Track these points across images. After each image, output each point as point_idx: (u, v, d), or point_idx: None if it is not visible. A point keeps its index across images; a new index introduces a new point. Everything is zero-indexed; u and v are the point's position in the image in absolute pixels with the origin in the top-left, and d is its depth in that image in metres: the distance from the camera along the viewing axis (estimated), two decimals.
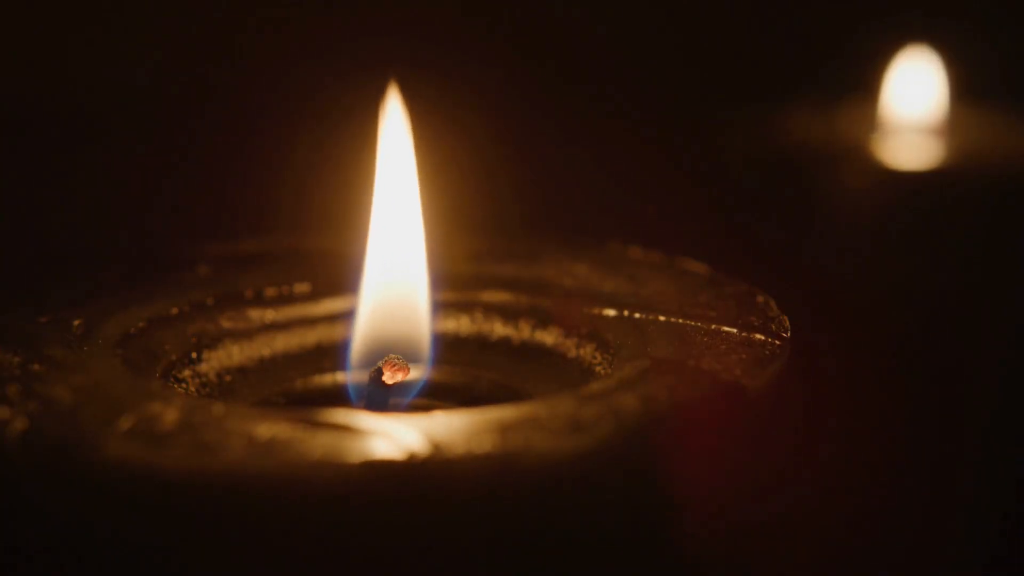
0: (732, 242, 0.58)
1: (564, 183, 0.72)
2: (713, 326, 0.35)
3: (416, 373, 0.36)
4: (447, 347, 0.39)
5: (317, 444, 0.28)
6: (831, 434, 0.47)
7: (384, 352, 0.36)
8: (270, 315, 0.39)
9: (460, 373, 0.38)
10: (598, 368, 0.37)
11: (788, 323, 0.35)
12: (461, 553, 0.28)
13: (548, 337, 0.39)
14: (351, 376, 0.37)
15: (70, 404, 0.30)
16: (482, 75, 0.72)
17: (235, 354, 0.38)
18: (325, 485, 0.27)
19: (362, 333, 0.37)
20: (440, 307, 0.39)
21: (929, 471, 0.46)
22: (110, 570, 0.28)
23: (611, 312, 0.37)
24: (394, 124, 0.38)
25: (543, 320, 0.39)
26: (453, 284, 0.40)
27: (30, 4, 0.68)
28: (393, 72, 0.38)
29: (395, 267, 0.37)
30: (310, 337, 0.39)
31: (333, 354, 0.39)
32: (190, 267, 0.40)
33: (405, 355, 0.35)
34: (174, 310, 0.37)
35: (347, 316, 0.39)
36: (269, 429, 0.28)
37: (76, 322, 0.35)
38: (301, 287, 0.39)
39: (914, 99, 0.77)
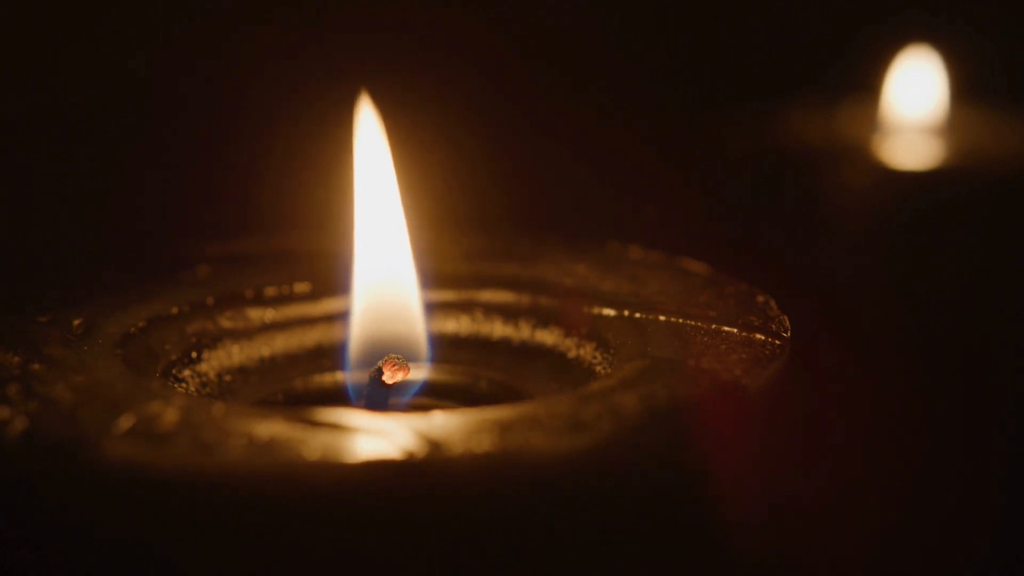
0: (732, 242, 0.58)
1: (564, 183, 0.72)
2: (713, 326, 0.35)
3: (416, 373, 0.36)
4: (447, 347, 0.39)
5: (317, 444, 0.28)
6: (831, 434, 0.47)
7: (383, 352, 0.36)
8: (270, 315, 0.39)
9: (460, 373, 0.38)
10: (598, 368, 0.37)
11: (788, 323, 0.35)
12: (461, 552, 0.28)
13: (548, 337, 0.39)
14: (351, 376, 0.37)
15: (70, 404, 0.30)
16: (481, 75, 0.72)
17: (235, 354, 0.38)
18: (325, 485, 0.27)
19: (358, 334, 0.37)
20: (440, 307, 0.39)
21: (929, 471, 0.46)
22: (110, 570, 0.28)
23: (611, 312, 0.37)
24: (367, 126, 0.38)
25: (543, 320, 0.39)
26: (453, 284, 0.40)
27: (26, 5, 0.68)
28: (368, 72, 0.38)
29: (384, 267, 0.37)
30: (310, 337, 0.39)
31: (333, 354, 0.39)
32: (190, 267, 0.40)
33: (403, 355, 0.35)
34: (174, 310, 0.37)
35: (347, 316, 0.39)
36: (269, 429, 0.28)
37: (76, 322, 0.35)
38: (301, 287, 0.39)
39: (915, 99, 0.77)
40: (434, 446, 0.28)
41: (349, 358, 0.37)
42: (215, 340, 0.38)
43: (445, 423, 0.29)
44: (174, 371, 0.36)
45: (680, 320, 0.35)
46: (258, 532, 0.27)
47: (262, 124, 0.68)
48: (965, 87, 0.77)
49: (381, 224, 0.37)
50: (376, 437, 0.28)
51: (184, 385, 0.36)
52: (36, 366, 0.32)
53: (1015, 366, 0.55)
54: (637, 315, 0.36)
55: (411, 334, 0.37)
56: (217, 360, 0.38)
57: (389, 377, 0.35)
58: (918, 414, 0.50)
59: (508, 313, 0.39)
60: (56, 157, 0.66)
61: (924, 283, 0.62)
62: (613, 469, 0.29)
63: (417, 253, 0.37)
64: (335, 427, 0.29)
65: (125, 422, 0.29)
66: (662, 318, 0.36)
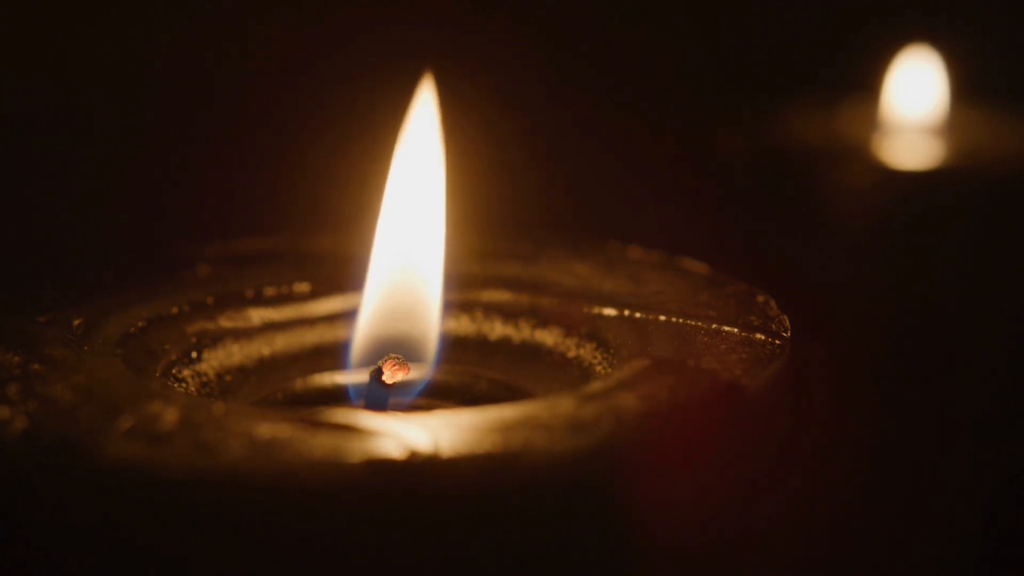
0: (732, 242, 0.58)
1: (564, 183, 0.72)
2: (713, 326, 0.35)
3: (418, 372, 0.36)
4: (447, 347, 0.39)
5: (317, 444, 0.28)
6: (831, 434, 0.47)
7: (389, 351, 0.36)
8: (270, 315, 0.39)
9: (460, 373, 0.38)
10: (598, 368, 0.37)
11: (788, 323, 0.35)
12: (461, 553, 0.28)
13: (548, 337, 0.39)
14: (351, 375, 0.37)
15: (70, 404, 0.30)
16: (479, 73, 0.72)
17: (235, 354, 0.38)
18: (325, 485, 0.27)
19: (368, 331, 0.37)
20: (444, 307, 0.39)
21: (929, 471, 0.46)
22: (110, 570, 0.28)
23: (611, 312, 0.37)
24: (424, 119, 0.37)
25: (543, 320, 0.39)
26: (453, 284, 0.40)
27: (27, 3, 0.68)
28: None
29: (409, 264, 0.37)
30: (310, 337, 0.39)
31: (333, 354, 0.39)
32: (190, 267, 0.40)
33: (411, 354, 0.35)
34: (174, 310, 0.37)
35: (347, 316, 0.39)
36: (269, 429, 0.28)
37: (76, 322, 0.35)
38: (301, 287, 0.39)
39: (914, 99, 0.77)
40: (435, 446, 0.28)
41: (352, 356, 0.37)
42: (215, 340, 0.38)
43: (446, 423, 0.29)
44: (174, 371, 0.36)
45: (680, 320, 0.35)
46: (258, 532, 0.27)
47: (262, 124, 0.68)
48: (965, 87, 0.77)
49: (413, 218, 0.37)
50: (376, 437, 0.28)
51: (184, 385, 0.36)
52: (36, 366, 0.32)
53: (1015, 366, 0.55)
54: (637, 315, 0.36)
55: (423, 333, 0.37)
56: (217, 360, 0.38)
57: (389, 377, 0.35)
58: (917, 414, 0.50)
59: (508, 313, 0.39)
60: (57, 157, 0.66)
61: (924, 283, 0.62)
62: (613, 470, 0.29)
63: (449, 252, 0.37)
64: (335, 427, 0.29)
65: (125, 422, 0.29)
66: (662, 318, 0.36)
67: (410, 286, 0.37)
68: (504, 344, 0.39)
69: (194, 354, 0.37)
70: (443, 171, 0.37)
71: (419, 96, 0.38)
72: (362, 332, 0.37)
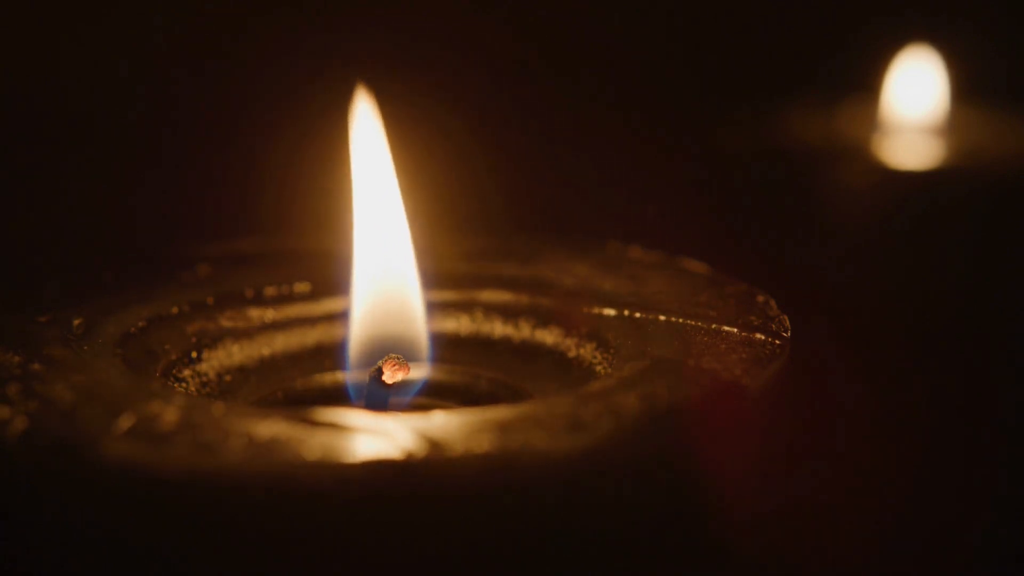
0: (732, 242, 0.58)
1: (564, 182, 0.72)
2: (713, 326, 0.35)
3: (417, 372, 0.36)
4: (447, 347, 0.39)
5: (316, 444, 0.28)
6: (831, 433, 0.47)
7: (383, 352, 0.36)
8: (270, 315, 0.39)
9: (460, 373, 0.38)
10: (598, 368, 0.37)
11: (788, 323, 0.35)
12: (460, 553, 0.28)
13: (548, 337, 0.39)
14: (351, 375, 0.37)
15: (70, 404, 0.30)
16: (483, 72, 0.72)
17: (235, 353, 0.38)
18: (324, 485, 0.27)
19: (358, 333, 0.37)
20: (440, 307, 0.39)
21: (928, 471, 0.46)
22: (110, 570, 0.28)
23: (611, 312, 0.37)
24: (365, 123, 0.38)
25: (543, 320, 0.39)
26: (453, 284, 0.40)
27: (24, 5, 0.68)
28: (366, 70, 0.38)
29: (385, 266, 0.37)
30: (310, 337, 0.39)
31: (333, 354, 0.39)
32: (190, 267, 0.40)
33: (404, 354, 0.35)
34: (174, 310, 0.37)
35: (347, 316, 0.39)
36: (269, 429, 0.28)
37: (76, 322, 0.35)
38: (301, 287, 0.39)
39: (915, 99, 0.77)
40: (434, 446, 0.28)
41: (349, 358, 0.37)
42: (215, 340, 0.38)
43: (445, 423, 0.29)
44: (174, 371, 0.36)
45: (680, 320, 0.35)
46: (258, 532, 0.27)
47: (262, 123, 0.68)
48: (965, 87, 0.77)
49: (381, 222, 0.37)
50: (376, 437, 0.28)
51: (184, 385, 0.36)
52: (36, 366, 0.32)
53: (1015, 366, 0.55)
54: (637, 315, 0.36)
55: (412, 333, 0.37)
56: (217, 360, 0.38)
57: (389, 377, 0.35)
58: (918, 414, 0.50)
59: (508, 313, 0.39)
60: (56, 157, 0.66)
61: (924, 283, 0.62)
62: (613, 469, 0.29)
63: (418, 252, 0.37)
64: (335, 427, 0.29)
65: (125, 422, 0.29)
66: (662, 318, 0.36)
67: (393, 288, 0.37)
68: (504, 344, 0.39)
69: (194, 354, 0.37)
70: (394, 170, 0.37)
71: (357, 101, 0.38)
72: (355, 334, 0.37)
